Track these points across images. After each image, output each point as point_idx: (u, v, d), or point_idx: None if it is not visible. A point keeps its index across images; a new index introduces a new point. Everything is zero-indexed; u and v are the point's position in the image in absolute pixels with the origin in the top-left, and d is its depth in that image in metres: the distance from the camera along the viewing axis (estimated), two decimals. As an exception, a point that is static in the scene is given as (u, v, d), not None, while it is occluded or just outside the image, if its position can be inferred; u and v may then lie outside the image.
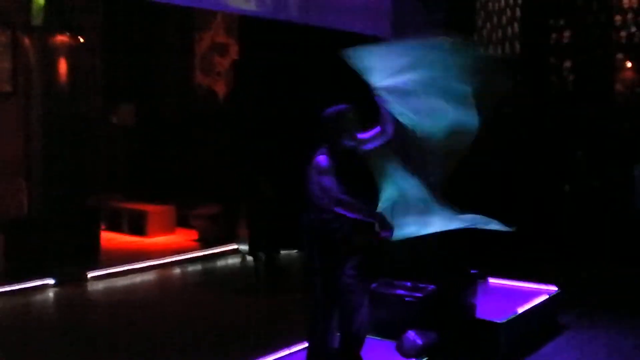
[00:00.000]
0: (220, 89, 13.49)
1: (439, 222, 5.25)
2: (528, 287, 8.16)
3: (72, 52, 10.15)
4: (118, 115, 13.67)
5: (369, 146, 5.47)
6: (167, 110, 14.00)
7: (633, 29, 11.68)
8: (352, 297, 5.40)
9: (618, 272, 10.21)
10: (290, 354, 6.02)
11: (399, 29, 7.89)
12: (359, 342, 5.52)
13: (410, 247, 7.02)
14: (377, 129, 5.46)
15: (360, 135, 5.47)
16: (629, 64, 11.89)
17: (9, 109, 10.99)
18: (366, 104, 5.37)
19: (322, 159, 5.28)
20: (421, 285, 6.72)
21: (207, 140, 13.16)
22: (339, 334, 5.54)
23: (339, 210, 5.18)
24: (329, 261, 5.36)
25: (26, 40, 9.96)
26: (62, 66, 10.04)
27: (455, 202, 5.47)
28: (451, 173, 5.58)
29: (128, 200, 13.31)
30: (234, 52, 12.98)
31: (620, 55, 11.86)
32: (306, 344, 5.65)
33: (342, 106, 5.43)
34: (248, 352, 6.22)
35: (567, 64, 12.09)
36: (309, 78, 10.19)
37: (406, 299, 6.59)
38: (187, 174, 13.19)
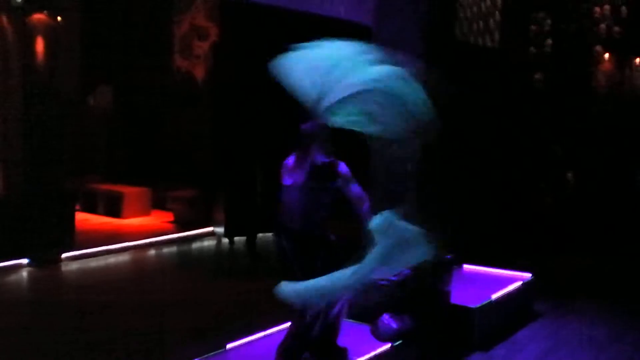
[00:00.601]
0: (199, 72, 13.44)
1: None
2: (503, 274, 8.21)
3: (51, 33, 10.04)
4: (96, 97, 13.57)
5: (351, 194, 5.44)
6: (145, 92, 13.92)
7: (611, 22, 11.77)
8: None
9: (593, 261, 10.31)
10: (266, 336, 6.01)
11: (382, 15, 7.87)
12: (334, 331, 5.53)
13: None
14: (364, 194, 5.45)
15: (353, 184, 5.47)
16: (606, 56, 11.98)
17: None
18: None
19: (342, 166, 5.35)
20: (396, 269, 6.73)
21: (185, 124, 13.11)
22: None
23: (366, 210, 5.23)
24: (309, 267, 5.36)
25: (4, 20, 9.84)
26: (40, 46, 9.93)
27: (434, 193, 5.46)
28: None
29: (104, 181, 13.24)
30: (213, 35, 12.92)
31: (599, 48, 11.94)
32: (284, 327, 5.65)
33: (318, 122, 5.38)
34: (224, 334, 6.20)
35: (546, 56, 12.16)
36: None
37: (381, 282, 6.60)
38: (164, 156, 13.14)
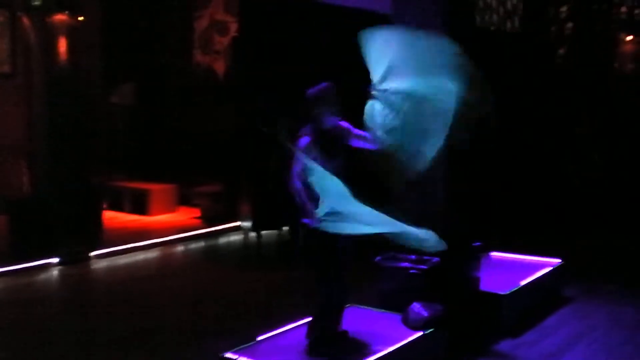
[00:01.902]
0: (220, 67, 13.46)
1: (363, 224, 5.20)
2: (531, 260, 8.19)
3: (72, 32, 10.10)
4: (118, 95, 13.63)
5: (357, 143, 5.47)
6: (167, 89, 13.97)
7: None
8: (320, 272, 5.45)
9: (622, 244, 10.24)
10: (296, 327, 6.03)
11: (399, 5, 7.84)
12: (327, 316, 5.55)
13: (414, 220, 7.07)
14: (368, 134, 5.44)
15: (354, 130, 5.49)
16: (628, 38, 11.88)
17: (9, 90, 10.99)
18: (362, 84, 5.37)
19: (302, 141, 5.32)
20: (425, 257, 6.73)
21: (208, 119, 13.14)
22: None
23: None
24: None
25: (25, 20, 9.91)
26: (62, 46, 9.98)
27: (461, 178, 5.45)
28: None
29: (130, 179, 13.31)
30: (233, 29, 12.93)
31: (620, 31, 11.86)
32: (311, 318, 5.67)
33: (323, 84, 5.41)
34: (253, 326, 6.24)
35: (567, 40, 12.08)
36: (309, 55, 10.16)
37: (411, 271, 6.61)
38: (188, 152, 13.18)
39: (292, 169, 5.23)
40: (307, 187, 5.16)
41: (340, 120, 5.45)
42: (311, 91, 5.42)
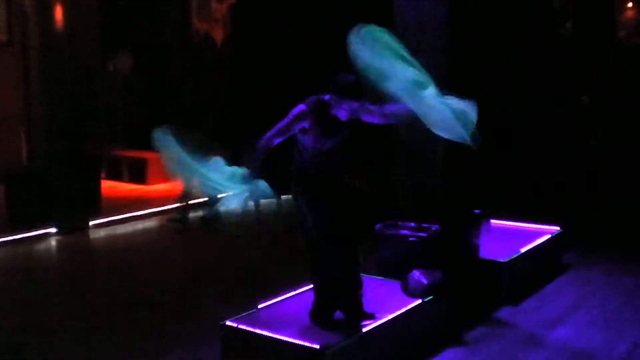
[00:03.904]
0: (218, 34, 13.37)
1: None
2: (530, 227, 8.18)
3: (68, 1, 9.99)
4: (116, 63, 13.55)
5: (367, 118, 5.46)
6: (164, 57, 13.88)
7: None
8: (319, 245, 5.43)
9: (621, 212, 10.23)
10: (296, 295, 6.04)
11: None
12: (328, 290, 5.53)
13: (415, 189, 7.07)
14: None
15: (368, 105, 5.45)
16: (629, 4, 11.81)
17: (6, 59, 10.89)
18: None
19: (296, 107, 5.27)
20: (425, 225, 6.73)
21: (206, 86, 13.07)
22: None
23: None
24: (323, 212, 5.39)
25: (21, -14, 9.79)
26: (59, 14, 9.88)
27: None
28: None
29: (128, 148, 13.28)
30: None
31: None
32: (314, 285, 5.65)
33: (353, 77, 5.19)
34: (253, 294, 6.25)
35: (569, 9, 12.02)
36: (308, 21, 10.10)
37: (410, 239, 6.61)
38: (186, 120, 13.10)
39: (272, 128, 5.22)
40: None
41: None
42: (339, 79, 5.23)
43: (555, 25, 11.95)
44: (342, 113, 5.29)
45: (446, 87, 5.21)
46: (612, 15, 11.82)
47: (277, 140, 5.26)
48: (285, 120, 5.23)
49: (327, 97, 5.29)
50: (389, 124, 5.70)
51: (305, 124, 5.23)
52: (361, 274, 5.56)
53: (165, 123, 5.53)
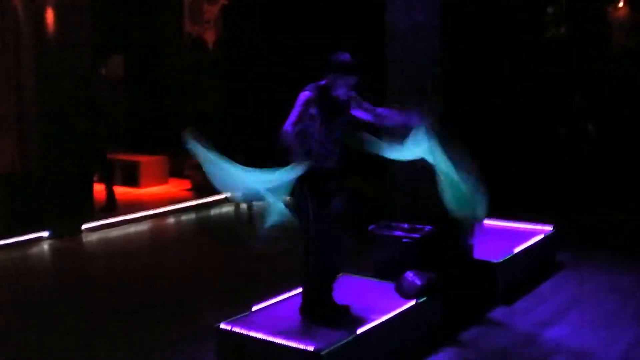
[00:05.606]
0: (210, 37, 13.34)
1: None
2: (524, 228, 8.18)
3: (60, 5, 9.96)
4: (108, 68, 13.51)
5: (356, 113, 5.57)
6: (156, 60, 13.86)
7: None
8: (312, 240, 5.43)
9: (614, 212, 10.24)
10: (290, 297, 6.02)
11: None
12: (318, 284, 5.54)
13: (409, 190, 7.04)
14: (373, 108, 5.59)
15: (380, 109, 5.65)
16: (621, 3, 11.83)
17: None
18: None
19: (302, 94, 5.30)
20: (418, 226, 6.71)
21: (198, 90, 13.05)
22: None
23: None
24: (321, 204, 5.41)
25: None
26: (50, 19, 9.86)
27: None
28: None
29: (120, 151, 13.24)
30: (222, -1, 12.81)
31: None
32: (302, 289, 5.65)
33: (348, 56, 5.37)
34: (247, 297, 6.22)
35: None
36: (301, 23, 10.09)
37: (404, 240, 6.59)
38: (178, 123, 13.09)
39: (288, 118, 5.21)
40: (300, 137, 5.19)
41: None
42: (335, 57, 5.36)
43: (549, 28, 11.96)
44: (341, 91, 5.38)
45: (440, 93, 5.27)
46: (606, 18, 11.84)
47: (297, 129, 5.24)
48: (298, 108, 5.25)
49: (323, 82, 5.37)
50: (378, 125, 5.74)
51: (314, 111, 5.27)
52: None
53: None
